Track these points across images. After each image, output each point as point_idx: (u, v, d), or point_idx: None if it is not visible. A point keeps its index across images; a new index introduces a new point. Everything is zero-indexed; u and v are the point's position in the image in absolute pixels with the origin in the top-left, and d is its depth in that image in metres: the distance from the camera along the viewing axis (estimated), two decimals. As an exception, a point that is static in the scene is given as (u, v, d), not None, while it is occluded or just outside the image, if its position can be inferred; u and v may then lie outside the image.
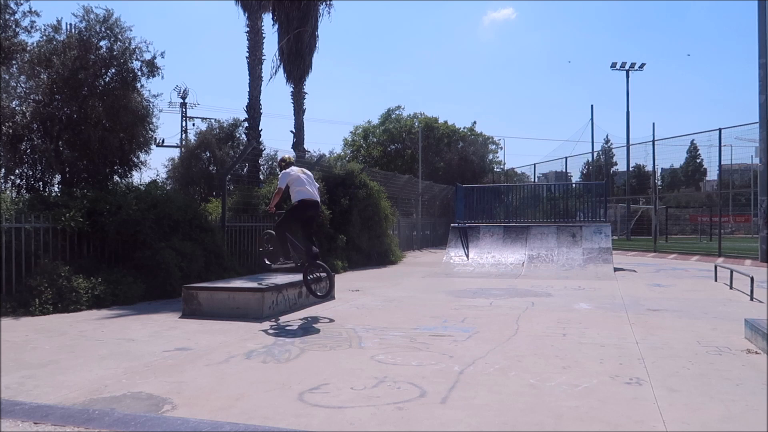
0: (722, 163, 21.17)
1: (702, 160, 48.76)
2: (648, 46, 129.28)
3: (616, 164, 48.17)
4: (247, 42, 18.44)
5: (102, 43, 10.50)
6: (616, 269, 14.01)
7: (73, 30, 10.41)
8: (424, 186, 27.05)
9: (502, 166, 41.18)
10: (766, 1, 16.48)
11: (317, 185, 8.07)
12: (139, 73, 11.03)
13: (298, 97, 21.93)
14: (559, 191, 18.30)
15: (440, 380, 4.58)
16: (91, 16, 10.42)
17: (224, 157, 15.35)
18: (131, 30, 10.85)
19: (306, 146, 21.94)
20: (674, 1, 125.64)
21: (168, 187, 13.23)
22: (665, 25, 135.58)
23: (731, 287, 10.54)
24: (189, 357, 5.41)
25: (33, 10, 10.70)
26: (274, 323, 7.22)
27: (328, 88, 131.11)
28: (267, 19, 19.71)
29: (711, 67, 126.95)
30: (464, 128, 37.33)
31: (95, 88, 10.47)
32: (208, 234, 10.91)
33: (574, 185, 21.84)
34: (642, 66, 46.04)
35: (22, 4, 10.55)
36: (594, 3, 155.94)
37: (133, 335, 6.48)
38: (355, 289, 10.57)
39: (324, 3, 21.61)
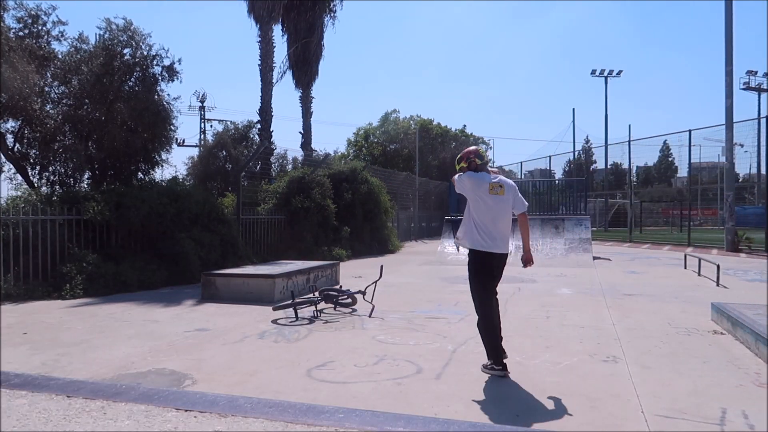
0: (692, 161, 21.19)
1: (674, 158, 48.86)
2: (626, 54, 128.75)
3: (595, 162, 48.27)
4: (259, 51, 18.38)
5: (125, 51, 10.45)
6: (594, 258, 14.01)
7: (98, 40, 10.36)
8: (420, 182, 27.01)
9: (492, 164, 41.09)
10: (732, 19, 16.52)
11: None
12: (160, 78, 10.99)
13: (306, 101, 21.89)
14: (544, 187, 18.27)
15: (435, 358, 4.59)
16: (113, 26, 10.36)
17: (239, 155, 15.29)
18: (150, 36, 10.81)
19: (313, 146, 21.94)
20: (651, 16, 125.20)
21: (188, 183, 13.20)
22: (643, 33, 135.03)
23: (699, 274, 10.55)
24: (207, 337, 5.42)
25: (61, 19, 10.64)
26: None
27: (333, 91, 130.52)
28: (277, 30, 19.64)
29: (683, 74, 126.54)
30: (456, 129, 37.25)
31: (120, 92, 10.43)
32: (225, 225, 10.90)
33: (557, 181, 21.79)
34: (619, 73, 45.85)
35: (50, 14, 10.48)
36: (575, 15, 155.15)
37: (157, 317, 6.49)
38: (358, 276, 10.57)
39: (329, 15, 21.54)
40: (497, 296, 4.25)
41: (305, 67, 21.17)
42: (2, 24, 9.58)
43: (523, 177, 32.48)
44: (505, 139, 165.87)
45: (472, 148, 4.46)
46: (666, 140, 43.62)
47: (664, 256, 15.65)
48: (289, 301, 6.47)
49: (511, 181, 4.34)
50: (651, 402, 3.51)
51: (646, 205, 37.50)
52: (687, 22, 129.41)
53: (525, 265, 4.43)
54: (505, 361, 4.09)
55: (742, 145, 29.85)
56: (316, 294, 7.07)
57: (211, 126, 38.64)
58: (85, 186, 10.74)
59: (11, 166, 10.34)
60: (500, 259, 4.20)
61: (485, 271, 4.16)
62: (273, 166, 18.46)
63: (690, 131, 19.88)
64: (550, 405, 3.46)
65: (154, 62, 10.84)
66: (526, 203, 4.45)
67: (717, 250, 16.87)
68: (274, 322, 6.15)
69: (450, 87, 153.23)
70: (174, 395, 3.59)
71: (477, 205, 4.19)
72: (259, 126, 17.76)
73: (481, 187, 4.16)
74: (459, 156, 4.45)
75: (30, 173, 10.46)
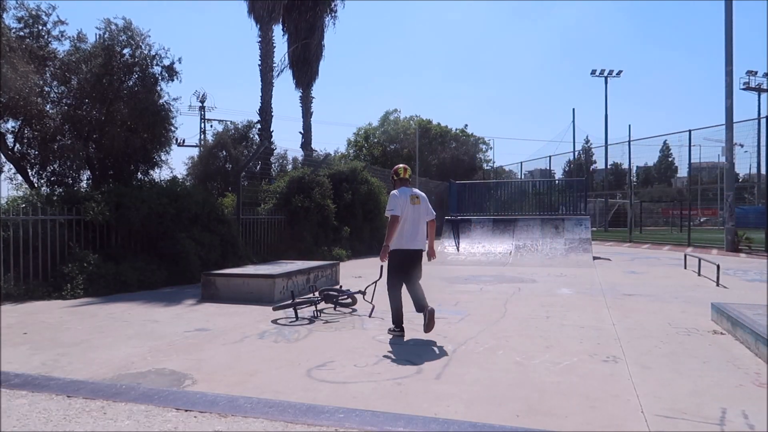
0: (692, 161, 21.13)
1: (674, 158, 48.93)
2: (626, 54, 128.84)
3: (595, 162, 48.24)
4: (260, 51, 18.38)
5: (125, 50, 10.45)
6: (594, 258, 14.01)
7: (98, 39, 10.36)
8: (420, 182, 26.99)
9: (491, 164, 41.12)
10: (732, 19, 16.53)
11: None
12: (159, 78, 10.98)
13: (306, 101, 21.90)
14: (544, 187, 18.26)
15: (435, 358, 4.59)
16: (113, 26, 10.35)
17: (239, 155, 15.30)
18: (150, 36, 10.80)
19: (313, 146, 21.96)
20: (651, 15, 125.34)
21: (188, 183, 13.21)
22: (643, 33, 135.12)
23: (699, 274, 10.55)
24: (207, 337, 5.42)
25: (61, 19, 10.64)
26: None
27: (333, 91, 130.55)
28: (277, 30, 19.64)
29: (683, 74, 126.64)
30: (456, 129, 37.26)
31: (120, 92, 10.43)
32: (225, 225, 10.91)
33: (557, 181, 21.79)
34: (619, 73, 45.85)
35: (51, 15, 10.48)
36: (575, 15, 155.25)
37: (156, 317, 6.49)
38: (358, 276, 10.57)
39: (330, 15, 21.55)
40: (421, 286, 5.42)
41: (305, 67, 21.19)
42: (2, 24, 9.57)
43: (523, 177, 32.48)
44: (505, 139, 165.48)
45: (397, 166, 5.75)
46: (666, 140, 43.68)
47: (664, 256, 15.65)
48: (289, 301, 6.47)
49: (423, 194, 5.61)
50: (651, 402, 3.51)
51: (646, 205, 37.49)
52: (687, 22, 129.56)
53: (429, 258, 5.67)
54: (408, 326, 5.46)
55: (742, 145, 29.86)
56: (316, 294, 7.07)
57: (211, 126, 38.74)
58: (85, 186, 10.74)
59: (11, 166, 10.34)
60: (416, 254, 5.39)
61: (401, 266, 5.34)
62: (273, 166, 18.46)
63: (690, 131, 19.88)
64: (549, 405, 3.46)
65: (154, 62, 10.84)
66: (434, 213, 5.67)
67: (717, 250, 16.86)
68: (274, 322, 6.16)
69: (450, 87, 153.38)
70: (174, 395, 3.59)
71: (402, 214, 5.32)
72: (259, 126, 17.76)
73: (405, 200, 5.34)
74: None
75: (30, 173, 10.46)
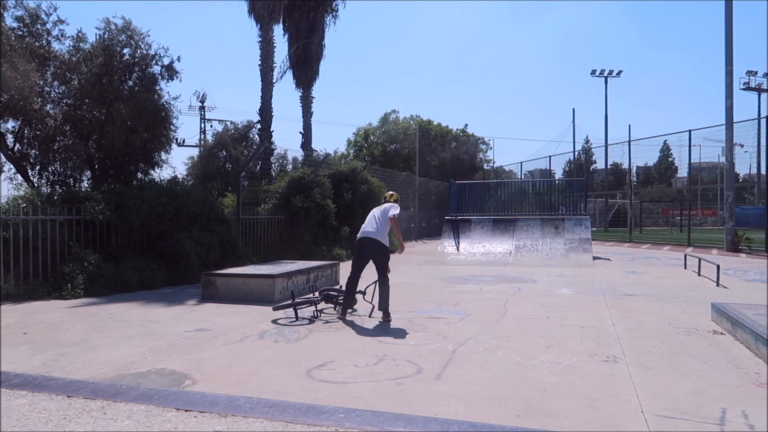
0: (692, 161, 21.12)
1: (674, 158, 48.93)
2: (626, 54, 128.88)
3: (595, 162, 48.22)
4: (260, 51, 18.36)
5: (125, 50, 10.44)
6: (594, 258, 14.01)
7: (98, 39, 10.35)
8: (420, 182, 27.00)
9: (492, 164, 41.09)
10: (732, 19, 16.53)
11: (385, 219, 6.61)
12: (159, 77, 10.97)
13: (306, 101, 21.88)
14: (544, 187, 18.26)
15: (435, 358, 4.59)
16: (112, 26, 10.34)
17: (239, 155, 15.29)
18: (149, 35, 10.78)
19: (313, 146, 21.94)
20: (651, 16, 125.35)
21: (188, 184, 13.21)
22: (643, 33, 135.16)
23: (699, 274, 10.54)
24: (207, 337, 5.42)
25: (61, 18, 10.63)
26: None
27: (333, 91, 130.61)
28: (278, 30, 19.61)
29: (683, 74, 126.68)
30: (457, 129, 37.26)
31: (120, 92, 10.42)
32: (224, 225, 10.90)
33: (557, 182, 21.75)
34: (619, 73, 45.85)
35: (51, 15, 10.47)
36: (575, 15, 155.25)
37: (157, 317, 6.49)
38: (358, 276, 10.55)
39: (330, 15, 21.53)
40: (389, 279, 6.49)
41: (306, 67, 21.17)
42: (2, 24, 9.57)
43: (523, 177, 32.49)
44: (505, 139, 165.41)
45: (386, 192, 7.37)
46: (666, 140, 43.68)
47: (664, 256, 15.64)
48: (289, 301, 6.47)
49: (387, 206, 6.71)
50: (651, 402, 3.51)
51: (646, 205, 37.46)
52: (687, 22, 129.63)
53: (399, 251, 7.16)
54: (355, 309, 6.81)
55: (742, 145, 29.74)
56: (316, 294, 7.07)
57: (211, 126, 38.81)
58: (86, 186, 10.74)
59: (11, 166, 10.33)
60: (368, 242, 6.46)
61: (357, 251, 6.61)
62: (273, 166, 18.44)
63: (690, 131, 19.88)
64: (549, 405, 3.46)
65: (154, 61, 10.83)
66: (392, 213, 6.55)
67: (717, 250, 16.85)
68: (274, 322, 6.15)
69: (450, 87, 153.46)
70: (174, 395, 3.59)
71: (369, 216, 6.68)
72: (259, 126, 17.74)
73: (375, 208, 6.77)
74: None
75: (30, 173, 10.46)
